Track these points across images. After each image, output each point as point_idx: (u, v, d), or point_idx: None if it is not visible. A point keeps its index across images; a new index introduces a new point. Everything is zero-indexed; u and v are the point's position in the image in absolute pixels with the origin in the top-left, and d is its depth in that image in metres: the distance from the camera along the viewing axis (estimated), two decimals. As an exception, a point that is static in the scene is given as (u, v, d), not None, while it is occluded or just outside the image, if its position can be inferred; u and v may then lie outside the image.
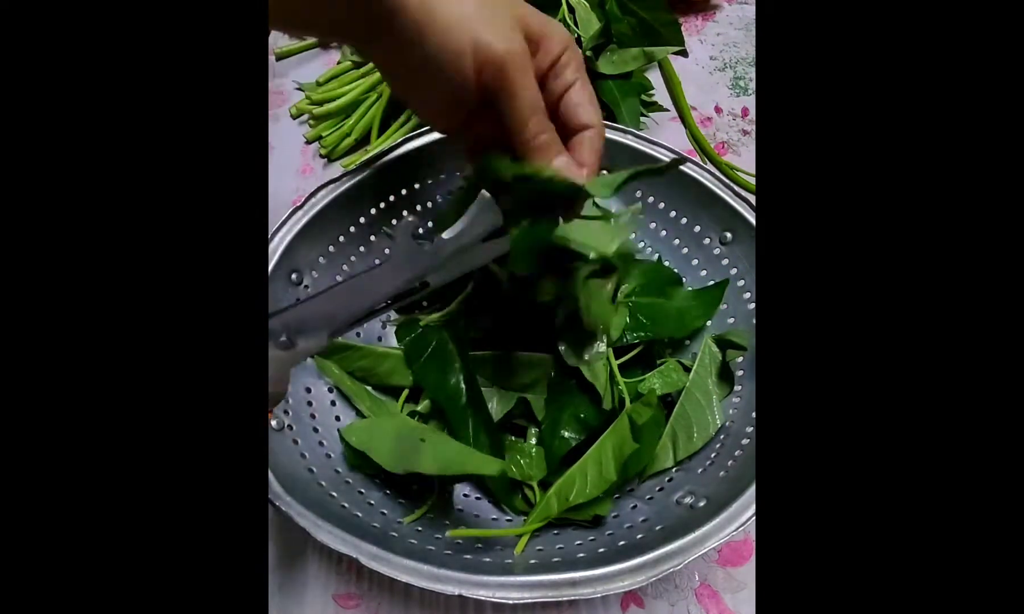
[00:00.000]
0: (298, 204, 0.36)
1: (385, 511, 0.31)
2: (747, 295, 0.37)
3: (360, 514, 0.30)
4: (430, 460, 0.30)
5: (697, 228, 0.40)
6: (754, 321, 0.36)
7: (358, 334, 0.39)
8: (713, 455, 0.33)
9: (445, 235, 0.26)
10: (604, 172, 0.32)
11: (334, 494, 0.31)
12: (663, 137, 0.50)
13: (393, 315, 0.41)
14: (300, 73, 0.61)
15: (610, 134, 0.41)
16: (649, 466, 0.34)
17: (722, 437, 0.34)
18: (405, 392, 0.37)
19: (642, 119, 0.54)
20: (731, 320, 0.38)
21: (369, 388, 0.37)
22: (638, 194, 0.42)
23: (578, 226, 0.29)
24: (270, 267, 0.35)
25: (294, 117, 0.54)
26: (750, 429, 0.32)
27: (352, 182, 0.38)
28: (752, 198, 0.37)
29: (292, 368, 0.23)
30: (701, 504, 0.30)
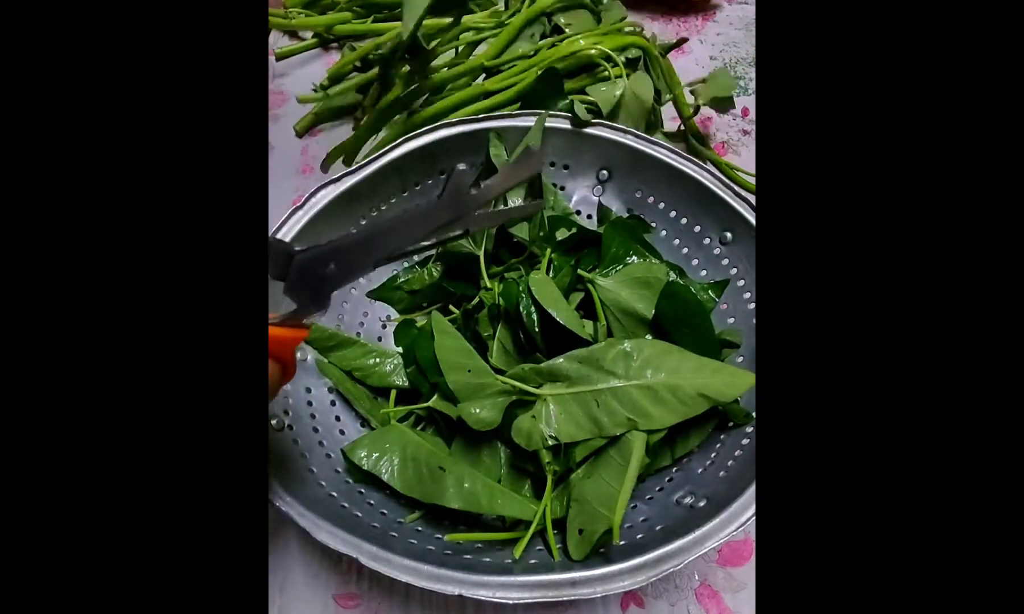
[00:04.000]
0: (298, 204, 0.36)
1: (385, 511, 0.31)
2: (747, 295, 0.37)
3: (360, 514, 0.30)
4: (454, 494, 0.30)
5: (697, 228, 0.40)
6: (754, 321, 0.36)
7: (358, 333, 0.39)
8: (713, 455, 0.33)
9: (489, 181, 0.28)
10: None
11: (334, 494, 0.31)
12: (663, 137, 0.50)
13: (393, 315, 0.41)
14: (300, 73, 0.61)
15: (610, 134, 0.41)
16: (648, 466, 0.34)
17: (722, 437, 0.34)
18: (394, 393, 0.37)
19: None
20: (731, 320, 0.38)
21: (367, 390, 0.37)
22: (638, 194, 0.42)
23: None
24: (270, 267, 0.35)
25: (299, 135, 0.52)
26: (750, 429, 0.32)
27: (352, 182, 0.38)
28: (752, 198, 0.37)
29: (335, 292, 0.26)
30: (701, 504, 0.30)
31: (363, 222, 0.40)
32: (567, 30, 0.49)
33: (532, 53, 0.47)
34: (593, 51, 0.46)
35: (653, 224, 0.42)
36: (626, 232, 0.38)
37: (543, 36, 0.49)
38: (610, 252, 0.38)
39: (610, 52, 0.46)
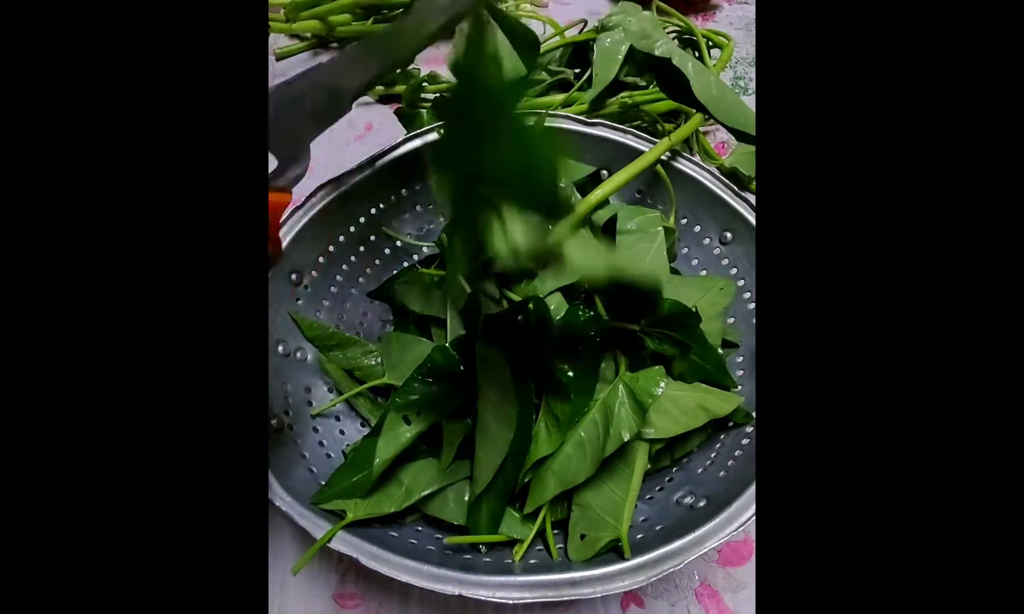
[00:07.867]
0: (298, 204, 0.36)
1: (385, 511, 0.31)
2: (747, 295, 0.37)
3: (360, 514, 0.30)
4: (453, 508, 0.31)
5: (697, 228, 0.40)
6: (754, 321, 0.36)
7: (358, 333, 0.39)
8: (713, 455, 0.33)
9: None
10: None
11: (334, 494, 0.31)
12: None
13: (393, 316, 0.41)
14: (300, 73, 0.61)
15: (611, 134, 0.41)
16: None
17: (722, 437, 0.34)
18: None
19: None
20: (731, 320, 0.38)
21: (367, 390, 0.37)
22: (638, 194, 0.42)
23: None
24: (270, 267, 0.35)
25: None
26: (750, 429, 0.32)
27: (352, 182, 0.38)
28: (752, 198, 0.37)
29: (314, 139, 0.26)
30: (701, 504, 0.30)
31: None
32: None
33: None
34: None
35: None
36: None
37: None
38: (610, 252, 0.38)
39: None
